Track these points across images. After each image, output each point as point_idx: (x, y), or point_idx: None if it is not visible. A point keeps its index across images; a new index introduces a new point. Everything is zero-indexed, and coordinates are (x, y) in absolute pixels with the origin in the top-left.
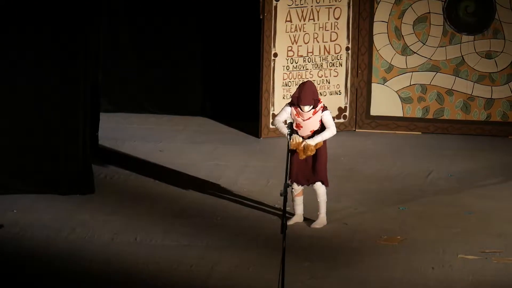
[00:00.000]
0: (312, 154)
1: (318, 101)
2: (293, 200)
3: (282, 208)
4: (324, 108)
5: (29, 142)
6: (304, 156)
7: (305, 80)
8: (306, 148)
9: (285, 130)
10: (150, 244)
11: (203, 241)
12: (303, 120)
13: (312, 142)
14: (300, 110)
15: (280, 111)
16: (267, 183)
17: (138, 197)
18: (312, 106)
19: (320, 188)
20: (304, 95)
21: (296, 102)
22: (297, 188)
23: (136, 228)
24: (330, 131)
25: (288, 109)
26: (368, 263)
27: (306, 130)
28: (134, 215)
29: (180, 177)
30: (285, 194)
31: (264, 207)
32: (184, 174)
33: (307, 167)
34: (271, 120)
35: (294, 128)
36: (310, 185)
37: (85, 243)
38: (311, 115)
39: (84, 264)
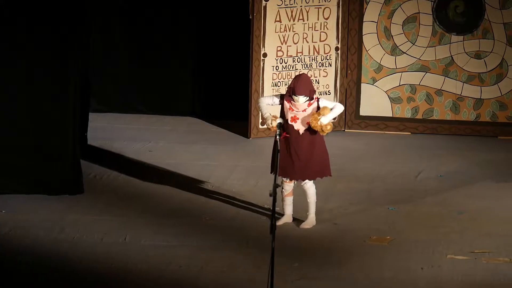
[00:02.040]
0: (329, 131)
1: (314, 92)
2: (282, 200)
3: (271, 208)
4: (318, 99)
5: (18, 142)
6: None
7: None
8: (323, 129)
9: (265, 111)
10: (139, 244)
11: (192, 241)
12: (298, 112)
13: (326, 120)
14: (294, 103)
15: (268, 96)
16: (256, 183)
17: (127, 197)
18: (307, 98)
19: (310, 188)
20: (300, 86)
21: (291, 93)
22: (288, 188)
23: (126, 228)
24: (339, 106)
25: (276, 99)
26: (357, 263)
27: (303, 122)
28: (123, 215)
29: (169, 177)
30: (274, 194)
31: (253, 207)
32: (174, 174)
33: (303, 160)
34: (260, 120)
35: (290, 122)
36: (300, 181)
37: (75, 243)
38: (306, 107)
39: (74, 264)
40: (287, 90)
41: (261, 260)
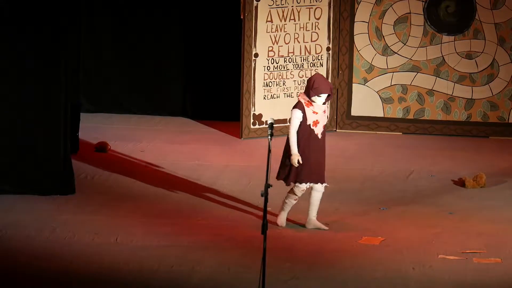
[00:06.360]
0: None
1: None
2: (290, 201)
3: (268, 208)
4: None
5: (9, 142)
6: None
7: (286, 80)
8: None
9: (294, 146)
10: (130, 245)
11: (184, 241)
12: (319, 113)
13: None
14: (315, 105)
15: (292, 121)
16: (248, 183)
17: (118, 198)
18: (328, 96)
19: (320, 192)
20: (324, 84)
21: (317, 93)
22: (301, 195)
23: (117, 229)
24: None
25: (300, 114)
26: (349, 263)
27: (320, 126)
28: (114, 215)
29: (161, 178)
30: (266, 194)
31: (245, 207)
32: (165, 175)
33: (320, 164)
34: (252, 121)
35: (312, 126)
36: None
37: (66, 243)
38: (326, 108)
39: (65, 265)
40: (308, 93)
41: (253, 260)
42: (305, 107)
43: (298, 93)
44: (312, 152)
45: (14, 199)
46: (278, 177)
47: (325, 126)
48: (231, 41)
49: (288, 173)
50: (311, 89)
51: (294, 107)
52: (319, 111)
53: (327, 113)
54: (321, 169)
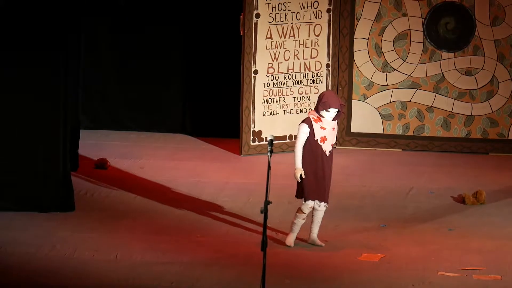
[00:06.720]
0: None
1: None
2: (299, 221)
3: (268, 224)
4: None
5: (9, 159)
6: None
7: (286, 96)
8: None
9: (299, 161)
10: (130, 261)
11: (183, 258)
12: (328, 129)
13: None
14: (324, 120)
15: (299, 136)
16: (247, 200)
17: (118, 214)
18: (337, 112)
19: (321, 210)
20: (333, 99)
21: (325, 108)
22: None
23: (117, 245)
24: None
25: (306, 129)
26: (348, 280)
27: (328, 143)
28: (114, 232)
29: (160, 194)
30: (266, 211)
31: (244, 224)
32: (165, 191)
33: (326, 182)
34: (251, 137)
35: (320, 142)
36: (321, 202)
37: (65, 260)
38: (334, 126)
39: (64, 282)
40: (317, 108)
41: (253, 277)
42: (313, 122)
43: (308, 110)
44: (319, 169)
45: (13, 215)
46: (296, 195)
47: (333, 145)
48: (230, 57)
49: (301, 189)
50: (319, 103)
51: (302, 121)
52: (327, 127)
53: (336, 131)
54: (326, 187)
